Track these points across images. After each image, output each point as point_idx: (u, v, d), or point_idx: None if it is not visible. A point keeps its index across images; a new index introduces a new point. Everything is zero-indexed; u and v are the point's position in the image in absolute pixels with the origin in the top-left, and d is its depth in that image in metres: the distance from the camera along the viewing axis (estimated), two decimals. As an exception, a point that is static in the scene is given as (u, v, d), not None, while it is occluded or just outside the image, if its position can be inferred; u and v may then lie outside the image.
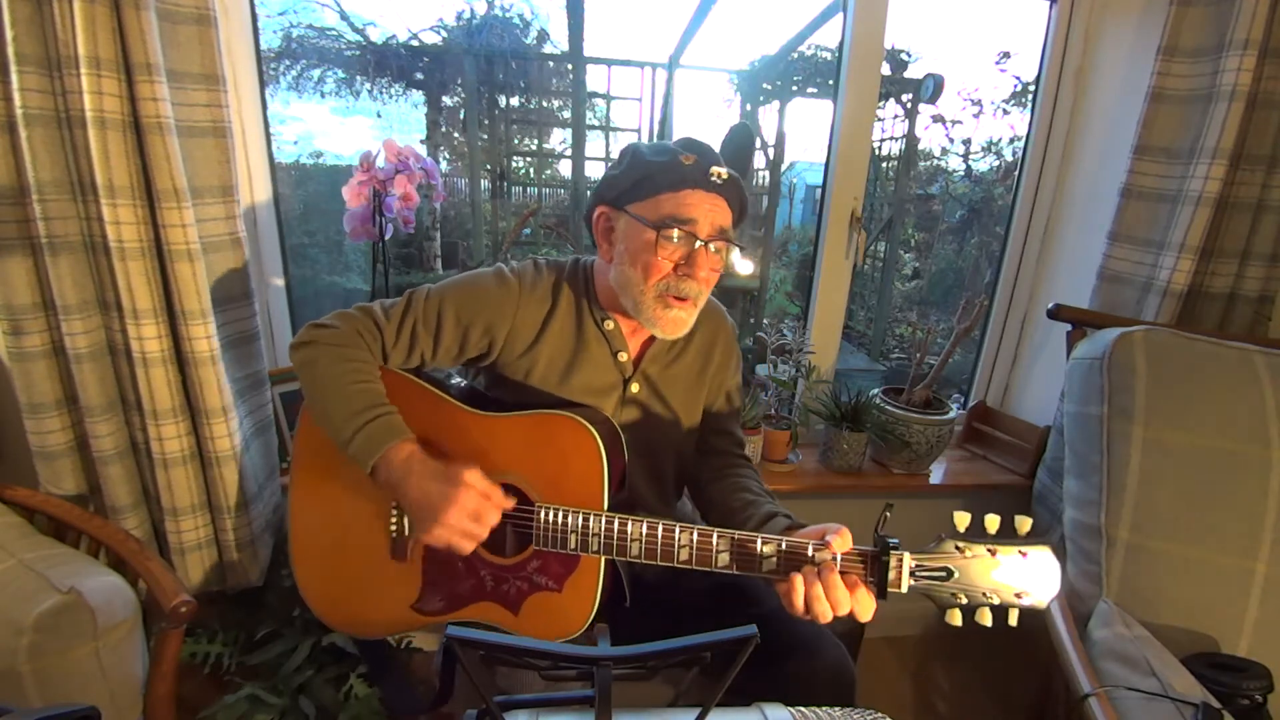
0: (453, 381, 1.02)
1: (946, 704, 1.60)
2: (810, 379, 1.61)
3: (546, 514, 0.85)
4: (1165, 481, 1.08)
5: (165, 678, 0.92)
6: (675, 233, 0.86)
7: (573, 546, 0.85)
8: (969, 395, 1.91)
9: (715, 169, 0.86)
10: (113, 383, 1.07)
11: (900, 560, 0.74)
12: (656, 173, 0.87)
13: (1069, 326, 1.40)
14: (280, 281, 1.45)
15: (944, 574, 0.74)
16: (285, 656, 1.16)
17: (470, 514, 0.81)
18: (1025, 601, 0.73)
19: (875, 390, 1.62)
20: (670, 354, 1.01)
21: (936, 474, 1.62)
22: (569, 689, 0.64)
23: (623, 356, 0.97)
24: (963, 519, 0.75)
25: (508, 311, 0.93)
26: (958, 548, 0.74)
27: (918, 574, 0.74)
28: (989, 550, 0.73)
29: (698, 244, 0.87)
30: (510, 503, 0.85)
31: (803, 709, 0.61)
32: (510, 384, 0.96)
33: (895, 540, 0.74)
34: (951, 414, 1.55)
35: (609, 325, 0.96)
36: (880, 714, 0.61)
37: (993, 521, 0.75)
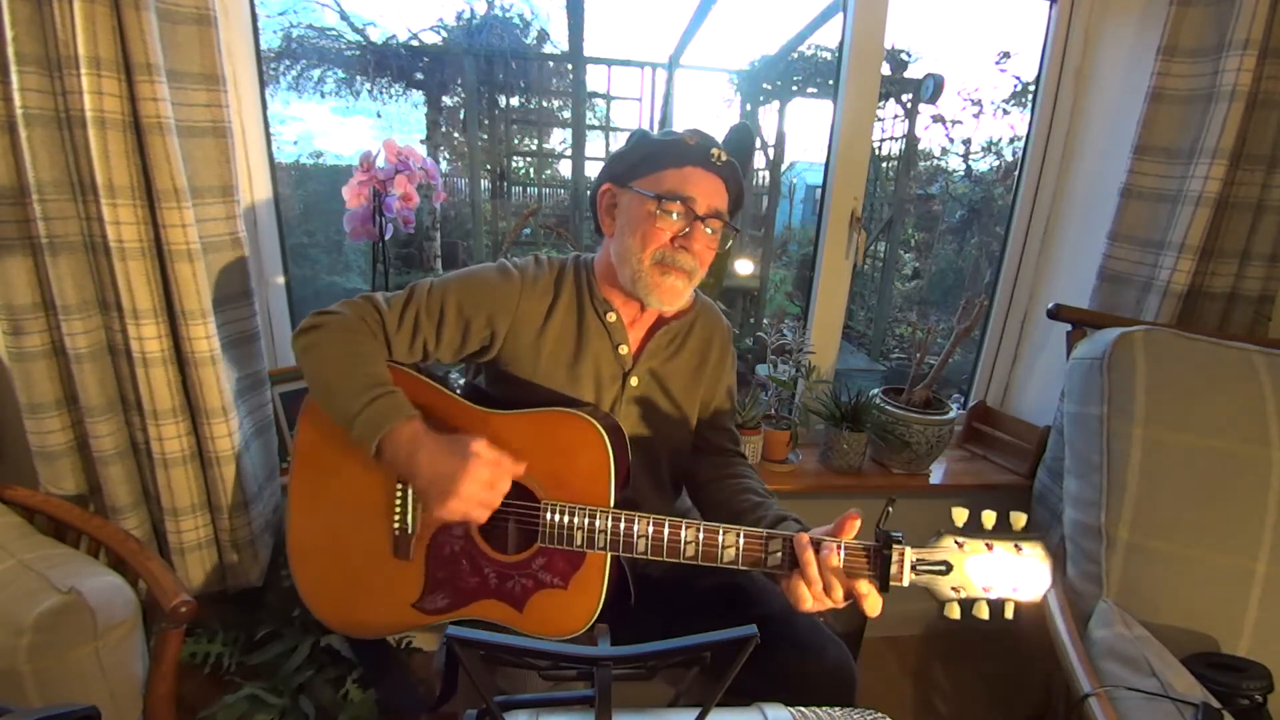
0: (456, 384, 1.01)
1: (946, 704, 1.60)
2: (810, 379, 1.61)
3: (552, 511, 0.85)
4: (1165, 481, 1.08)
5: (165, 678, 0.91)
6: (675, 206, 0.90)
7: (579, 544, 0.85)
8: (969, 395, 1.90)
9: (715, 150, 0.91)
10: (113, 383, 1.07)
11: (902, 554, 0.75)
12: (660, 150, 0.92)
13: (1069, 326, 1.40)
14: (280, 281, 1.45)
15: (943, 568, 0.75)
16: (285, 656, 1.16)
17: (484, 483, 0.81)
18: (1020, 595, 0.75)
19: (875, 390, 1.62)
20: (670, 348, 1.03)
21: (936, 474, 1.62)
22: (569, 689, 0.64)
23: (623, 350, 0.98)
24: (960, 514, 0.76)
25: (510, 303, 0.94)
26: (956, 542, 0.76)
27: (918, 568, 0.75)
28: (985, 544, 0.75)
29: (695, 219, 0.90)
30: (521, 467, 0.86)
31: (803, 709, 0.61)
32: (512, 379, 0.96)
33: (899, 534, 0.76)
34: (951, 414, 1.55)
35: (610, 317, 0.98)
36: (880, 714, 0.61)
37: (989, 517, 0.76)
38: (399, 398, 0.87)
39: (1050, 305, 1.40)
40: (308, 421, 0.96)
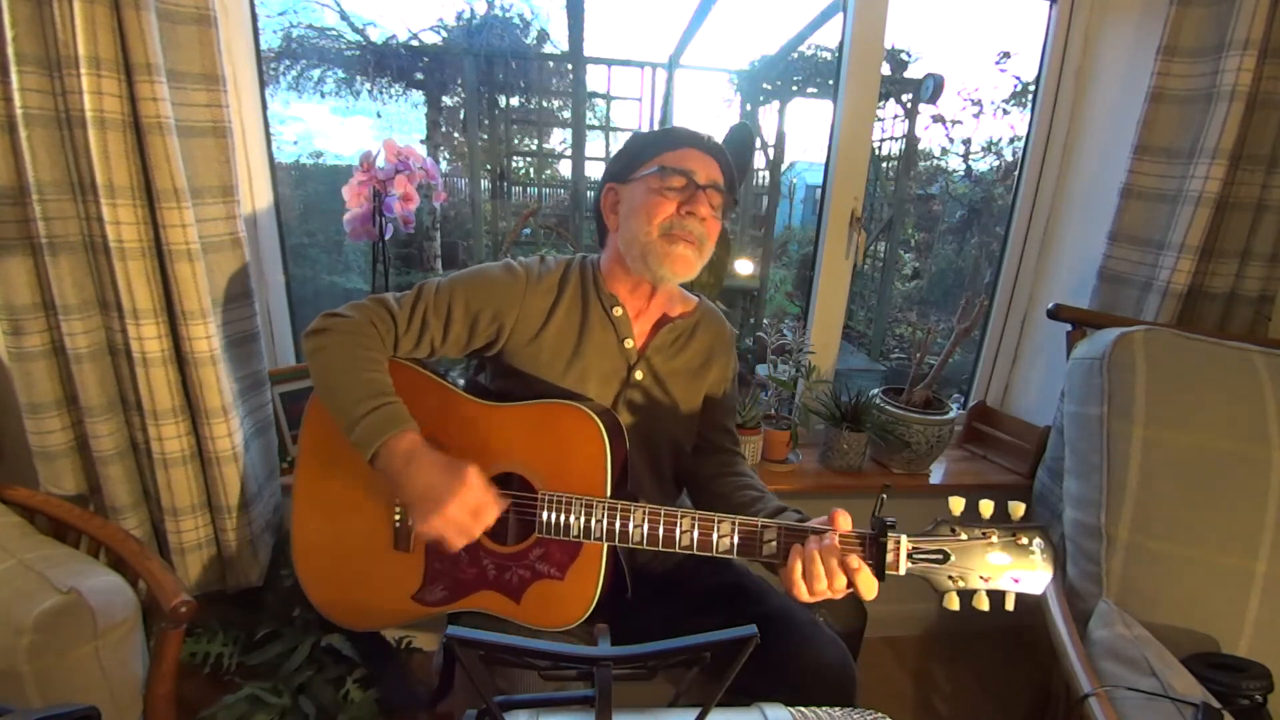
0: (456, 381, 1.03)
1: (946, 704, 1.60)
2: (810, 379, 1.61)
3: (549, 501, 0.86)
4: (1165, 481, 1.08)
5: (165, 678, 0.91)
6: (677, 180, 0.94)
7: (575, 534, 0.86)
8: (969, 395, 1.90)
9: (705, 135, 0.98)
10: (113, 383, 1.07)
11: (898, 542, 0.75)
12: (655, 139, 0.99)
13: (1069, 326, 1.40)
14: (280, 281, 1.45)
15: (940, 557, 0.74)
16: (285, 656, 1.16)
17: (470, 509, 0.82)
18: (1020, 585, 0.74)
19: (875, 390, 1.62)
20: (674, 346, 1.04)
21: (936, 474, 1.62)
22: (569, 689, 0.64)
23: (629, 343, 1.00)
24: (957, 504, 0.76)
25: (515, 298, 0.97)
26: (953, 530, 0.75)
27: (915, 556, 0.75)
28: (983, 534, 0.74)
29: (697, 189, 0.94)
30: (507, 502, 0.87)
31: (803, 709, 0.61)
32: (516, 372, 0.98)
33: (893, 520, 0.76)
34: (951, 414, 1.55)
35: (617, 311, 1.00)
36: (880, 714, 0.61)
37: (986, 506, 0.75)
38: (399, 408, 0.88)
39: (1050, 305, 1.40)
40: (315, 415, 0.98)
